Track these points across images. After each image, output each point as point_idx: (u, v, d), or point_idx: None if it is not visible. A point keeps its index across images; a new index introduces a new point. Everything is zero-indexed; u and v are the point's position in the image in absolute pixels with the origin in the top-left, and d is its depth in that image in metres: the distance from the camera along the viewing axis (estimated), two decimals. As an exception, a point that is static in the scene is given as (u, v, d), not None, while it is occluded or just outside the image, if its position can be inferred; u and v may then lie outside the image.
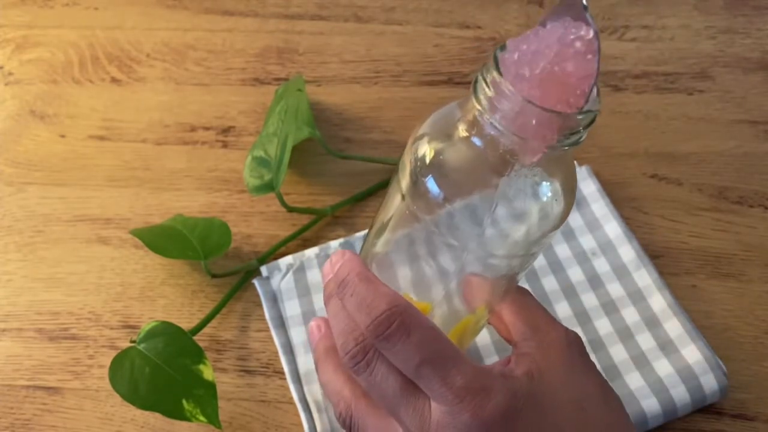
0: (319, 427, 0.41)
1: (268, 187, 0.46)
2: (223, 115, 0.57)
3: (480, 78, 0.28)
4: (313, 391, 0.42)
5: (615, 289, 0.45)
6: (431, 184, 0.30)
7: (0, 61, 0.61)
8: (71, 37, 0.63)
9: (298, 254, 0.47)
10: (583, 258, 0.46)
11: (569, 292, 0.45)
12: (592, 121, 0.28)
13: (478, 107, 0.28)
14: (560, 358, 0.31)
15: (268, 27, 0.63)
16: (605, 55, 0.58)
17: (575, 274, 0.46)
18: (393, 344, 0.29)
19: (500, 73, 0.27)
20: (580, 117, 0.27)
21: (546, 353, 0.31)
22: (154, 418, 0.42)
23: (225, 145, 0.55)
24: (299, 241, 0.49)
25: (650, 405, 0.40)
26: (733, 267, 0.47)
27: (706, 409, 0.41)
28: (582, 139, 0.28)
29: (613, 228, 0.47)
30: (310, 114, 0.53)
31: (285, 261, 0.47)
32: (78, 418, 0.43)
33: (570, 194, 0.31)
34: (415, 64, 0.59)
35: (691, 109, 0.55)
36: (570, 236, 0.47)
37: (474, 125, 0.29)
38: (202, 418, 0.39)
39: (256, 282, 0.46)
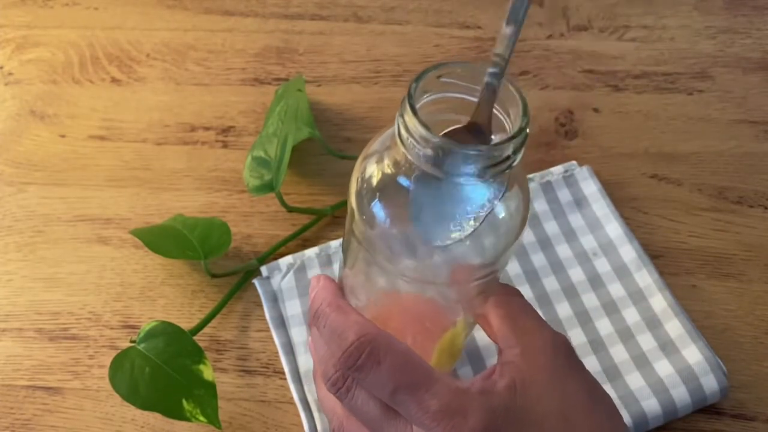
0: (319, 427, 0.41)
1: (268, 187, 0.46)
2: (223, 115, 0.57)
3: (398, 117, 0.27)
4: (314, 391, 0.42)
5: (616, 290, 0.45)
6: (377, 209, 0.29)
7: (0, 61, 0.61)
8: (71, 37, 0.63)
9: (298, 254, 0.47)
10: (584, 258, 0.46)
11: (570, 292, 0.45)
12: (523, 144, 0.27)
13: (402, 150, 0.27)
14: (545, 365, 0.31)
15: (268, 27, 0.63)
16: (606, 56, 0.58)
17: (576, 274, 0.46)
18: (365, 374, 0.29)
19: (414, 112, 0.26)
20: (506, 146, 0.26)
21: (530, 361, 0.31)
22: (154, 418, 0.42)
23: (225, 145, 0.55)
24: (299, 241, 0.49)
25: (651, 405, 0.40)
26: (733, 267, 0.47)
27: (706, 408, 0.41)
28: (516, 163, 0.27)
29: (614, 228, 0.47)
30: (310, 114, 0.53)
31: (285, 261, 0.47)
32: (78, 418, 0.43)
33: (524, 205, 0.30)
34: (415, 64, 0.59)
35: (691, 109, 0.55)
36: (571, 236, 0.47)
37: (402, 164, 0.28)
38: (202, 418, 0.39)
39: (256, 282, 0.46)
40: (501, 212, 0.29)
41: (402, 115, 0.26)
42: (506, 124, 0.28)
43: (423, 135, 0.26)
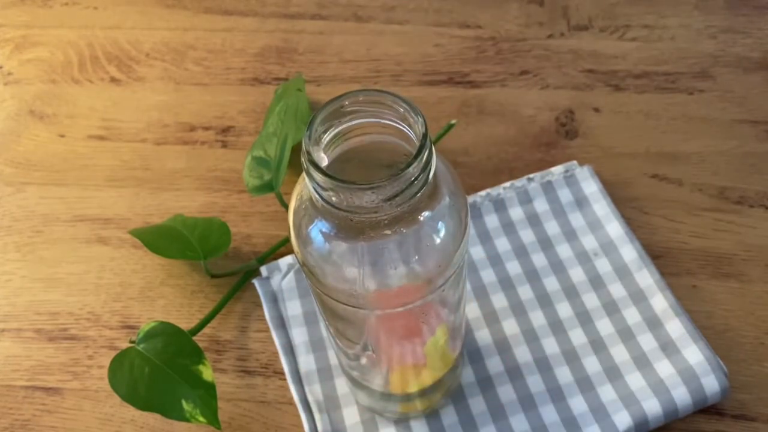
0: (320, 428, 0.40)
1: (268, 187, 0.46)
2: (223, 115, 0.57)
3: (303, 162, 0.26)
4: (315, 391, 0.42)
5: (616, 290, 0.45)
6: (314, 233, 0.28)
7: (-1, 61, 0.61)
8: (70, 37, 0.63)
9: (298, 254, 0.47)
10: (584, 258, 0.46)
11: (571, 292, 0.45)
12: (428, 164, 0.26)
13: (315, 196, 0.26)
14: None
15: (268, 26, 0.62)
16: (607, 55, 0.58)
17: (577, 274, 0.46)
18: None
19: (311, 161, 0.26)
20: (407, 173, 0.25)
21: None
22: (154, 419, 0.42)
23: (224, 144, 0.55)
24: (299, 241, 0.49)
25: (651, 406, 0.40)
26: (734, 267, 0.47)
27: (707, 409, 0.41)
28: (430, 178, 0.26)
29: (614, 228, 0.47)
30: (309, 114, 0.53)
31: (285, 261, 0.47)
32: (77, 419, 0.43)
33: (462, 212, 0.29)
34: (415, 64, 0.59)
35: (691, 109, 0.55)
36: (572, 236, 0.47)
37: (315, 205, 0.27)
38: (201, 418, 0.39)
39: (256, 282, 0.46)
40: (432, 228, 0.29)
41: (301, 157, 0.26)
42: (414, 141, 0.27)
43: (319, 179, 0.25)
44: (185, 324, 0.43)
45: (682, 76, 0.57)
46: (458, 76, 0.58)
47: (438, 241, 0.29)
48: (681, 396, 0.40)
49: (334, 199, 0.26)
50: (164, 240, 0.46)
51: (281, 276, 0.46)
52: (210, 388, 0.39)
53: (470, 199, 0.49)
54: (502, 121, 0.55)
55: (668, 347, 0.42)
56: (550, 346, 0.43)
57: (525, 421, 0.40)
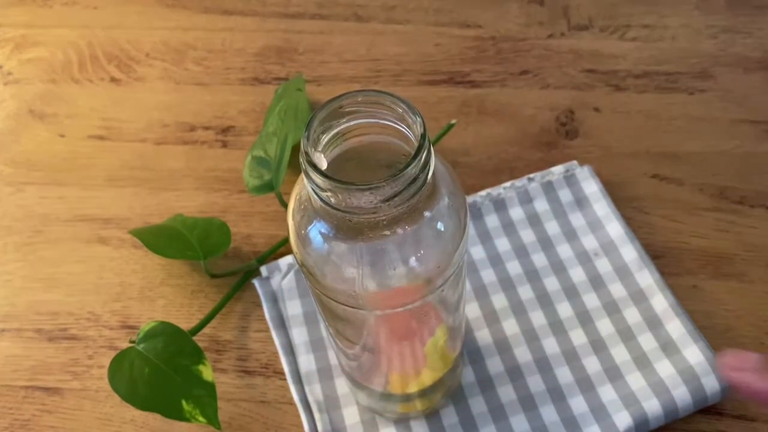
0: (320, 428, 0.40)
1: (268, 186, 0.46)
2: (223, 115, 0.57)
3: (302, 163, 0.26)
4: (315, 391, 0.42)
5: (617, 290, 0.45)
6: (313, 233, 0.28)
7: (-1, 61, 0.61)
8: (70, 37, 0.63)
9: (298, 254, 0.47)
10: (585, 258, 0.46)
11: (571, 292, 0.45)
12: (426, 165, 0.26)
13: (313, 196, 0.26)
14: None
15: (268, 26, 0.62)
16: (607, 55, 0.58)
17: (577, 274, 0.45)
18: None
19: (309, 162, 0.25)
20: (407, 171, 0.25)
21: None
22: (154, 419, 0.42)
23: (224, 144, 0.55)
24: (299, 241, 0.49)
25: (652, 406, 0.40)
26: (735, 267, 0.47)
27: (707, 409, 0.41)
28: (429, 179, 0.26)
29: (614, 228, 0.47)
30: (309, 114, 0.53)
31: (285, 261, 0.47)
32: (77, 419, 0.43)
33: (460, 209, 0.29)
34: (415, 64, 0.59)
35: (692, 109, 0.55)
36: (572, 236, 0.47)
37: (314, 205, 0.27)
38: (201, 418, 0.39)
39: (255, 282, 0.46)
40: (432, 228, 0.28)
41: (300, 158, 0.26)
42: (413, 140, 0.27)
43: (317, 180, 0.25)
44: (185, 324, 0.43)
45: (683, 76, 0.57)
46: (458, 75, 0.58)
47: (437, 241, 0.29)
48: (681, 396, 0.40)
49: (332, 199, 0.26)
50: (164, 240, 0.46)
51: (281, 276, 0.46)
52: (210, 388, 0.39)
53: (470, 199, 0.49)
54: (502, 121, 0.55)
55: (668, 347, 0.42)
56: (551, 346, 0.43)
57: (525, 421, 0.40)
